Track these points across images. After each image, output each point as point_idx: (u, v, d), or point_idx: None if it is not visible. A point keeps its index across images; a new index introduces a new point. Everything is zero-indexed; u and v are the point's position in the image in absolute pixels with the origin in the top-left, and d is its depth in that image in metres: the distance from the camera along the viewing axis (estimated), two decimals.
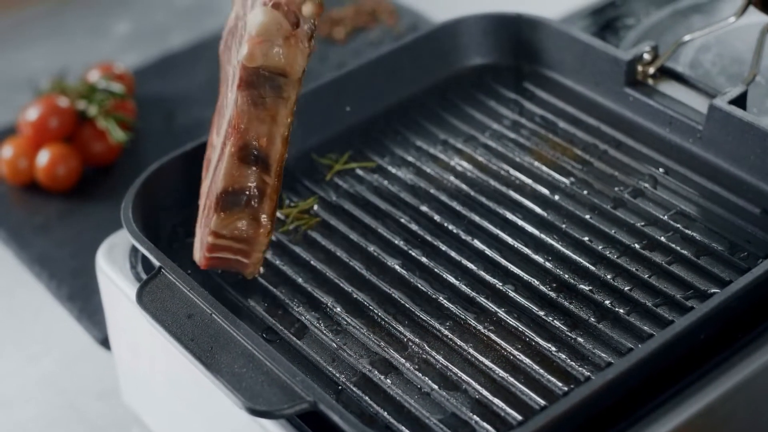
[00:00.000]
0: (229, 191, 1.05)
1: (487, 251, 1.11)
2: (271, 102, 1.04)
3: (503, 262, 1.10)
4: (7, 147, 1.54)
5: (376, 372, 1.01)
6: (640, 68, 1.23)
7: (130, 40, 1.84)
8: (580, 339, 1.02)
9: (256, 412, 0.93)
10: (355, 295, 1.08)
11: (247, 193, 1.05)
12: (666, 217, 1.13)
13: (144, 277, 1.11)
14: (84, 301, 1.37)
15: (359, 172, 1.22)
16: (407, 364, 1.02)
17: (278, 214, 1.16)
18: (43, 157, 1.52)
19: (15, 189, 1.55)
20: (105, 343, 1.31)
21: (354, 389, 1.00)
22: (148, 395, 1.19)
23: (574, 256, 1.09)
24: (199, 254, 1.09)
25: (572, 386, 0.98)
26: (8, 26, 1.88)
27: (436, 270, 1.10)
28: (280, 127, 1.05)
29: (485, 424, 0.97)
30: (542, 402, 0.98)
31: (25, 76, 1.71)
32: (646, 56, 1.22)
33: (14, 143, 1.54)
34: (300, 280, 1.11)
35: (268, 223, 1.06)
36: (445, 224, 1.14)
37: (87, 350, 1.34)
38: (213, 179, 1.08)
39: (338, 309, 1.07)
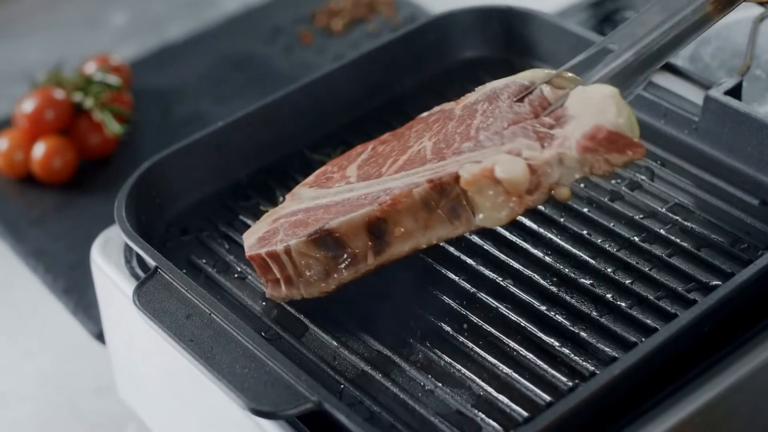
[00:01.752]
0: (335, 235, 0.95)
1: (485, 246, 1.04)
2: (437, 217, 0.94)
3: (502, 256, 1.02)
4: (3, 139, 1.48)
5: (378, 370, 0.94)
6: None
7: (127, 31, 1.77)
8: (582, 333, 0.95)
9: (260, 413, 0.86)
10: (352, 292, 1.00)
11: (346, 251, 0.95)
12: (664, 209, 1.06)
13: (139, 272, 1.05)
14: (79, 294, 1.31)
15: None
16: (409, 362, 0.95)
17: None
18: (39, 150, 1.46)
19: (10, 182, 1.48)
20: (100, 337, 1.25)
21: (356, 388, 0.93)
22: (143, 391, 1.12)
23: (574, 250, 1.02)
24: (253, 240, 1.00)
25: (577, 381, 0.91)
26: (5, 17, 1.81)
27: (434, 266, 1.02)
28: (421, 239, 0.94)
29: (491, 422, 0.90)
30: (547, 398, 0.91)
31: (21, 68, 1.64)
32: None
33: (10, 135, 1.48)
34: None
35: (330, 285, 0.96)
36: None
37: (84, 345, 1.28)
38: (332, 206, 0.97)
39: (336, 307, 1.00)
